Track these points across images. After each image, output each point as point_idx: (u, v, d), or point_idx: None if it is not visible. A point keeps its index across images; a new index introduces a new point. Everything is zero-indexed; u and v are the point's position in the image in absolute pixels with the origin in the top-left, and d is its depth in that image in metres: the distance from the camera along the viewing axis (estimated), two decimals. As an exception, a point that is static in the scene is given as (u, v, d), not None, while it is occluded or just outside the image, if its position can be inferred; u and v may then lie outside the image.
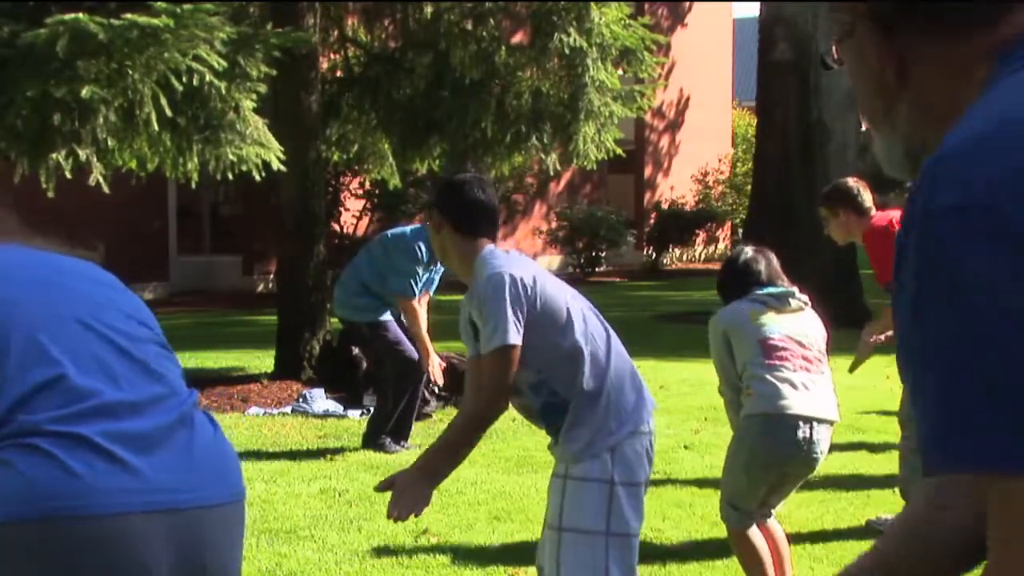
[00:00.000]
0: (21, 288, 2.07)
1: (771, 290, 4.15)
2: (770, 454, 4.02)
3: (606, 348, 3.22)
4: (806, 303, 4.21)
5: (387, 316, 7.27)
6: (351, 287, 7.27)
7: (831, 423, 4.07)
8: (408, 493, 3.33)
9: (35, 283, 2.10)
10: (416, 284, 7.16)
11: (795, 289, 4.22)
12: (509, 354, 3.10)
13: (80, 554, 1.93)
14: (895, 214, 5.39)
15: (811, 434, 3.97)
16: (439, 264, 7.12)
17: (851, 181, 5.59)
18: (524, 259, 3.32)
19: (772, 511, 4.29)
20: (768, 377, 4.00)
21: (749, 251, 4.33)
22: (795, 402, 3.96)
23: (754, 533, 4.19)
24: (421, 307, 7.27)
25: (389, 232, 7.51)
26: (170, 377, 2.14)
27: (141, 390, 2.07)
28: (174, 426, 2.07)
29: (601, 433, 3.16)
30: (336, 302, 7.44)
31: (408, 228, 7.39)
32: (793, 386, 3.98)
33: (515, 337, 3.08)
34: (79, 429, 1.95)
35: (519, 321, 3.09)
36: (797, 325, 4.11)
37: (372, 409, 7.86)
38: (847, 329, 6.66)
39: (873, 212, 5.44)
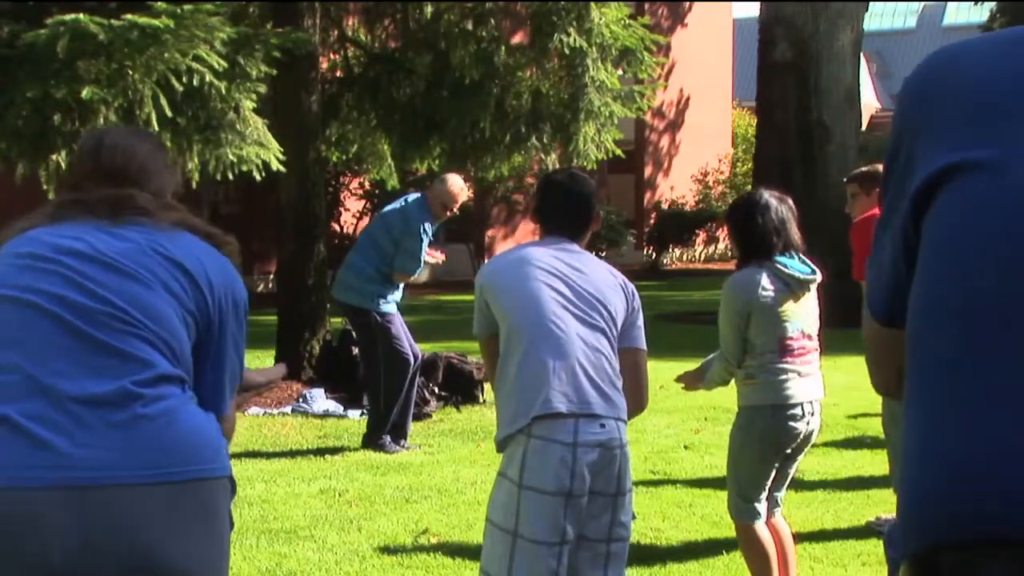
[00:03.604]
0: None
1: (795, 270, 4.09)
2: (779, 439, 4.12)
3: (523, 341, 3.22)
4: (814, 283, 4.18)
5: (394, 309, 7.28)
6: (366, 272, 7.22)
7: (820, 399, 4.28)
8: None
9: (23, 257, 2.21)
10: (421, 263, 7.28)
11: (807, 261, 4.17)
12: (480, 344, 3.49)
13: None
14: None
15: (812, 409, 4.15)
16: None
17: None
18: (526, 253, 3.45)
19: (780, 501, 4.31)
20: (778, 372, 4.09)
21: (772, 200, 4.14)
22: (798, 391, 4.10)
23: (762, 529, 4.20)
24: None
25: (391, 212, 7.39)
26: (131, 351, 2.12)
27: (87, 364, 2.09)
28: (112, 399, 2.06)
29: (506, 425, 3.22)
30: (342, 286, 7.34)
31: (410, 209, 7.28)
32: (799, 375, 4.11)
33: (475, 329, 3.46)
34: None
35: (479, 317, 3.43)
36: (807, 314, 4.13)
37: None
38: (843, 328, 6.66)
39: None
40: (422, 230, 7.16)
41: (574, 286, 3.34)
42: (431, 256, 7.44)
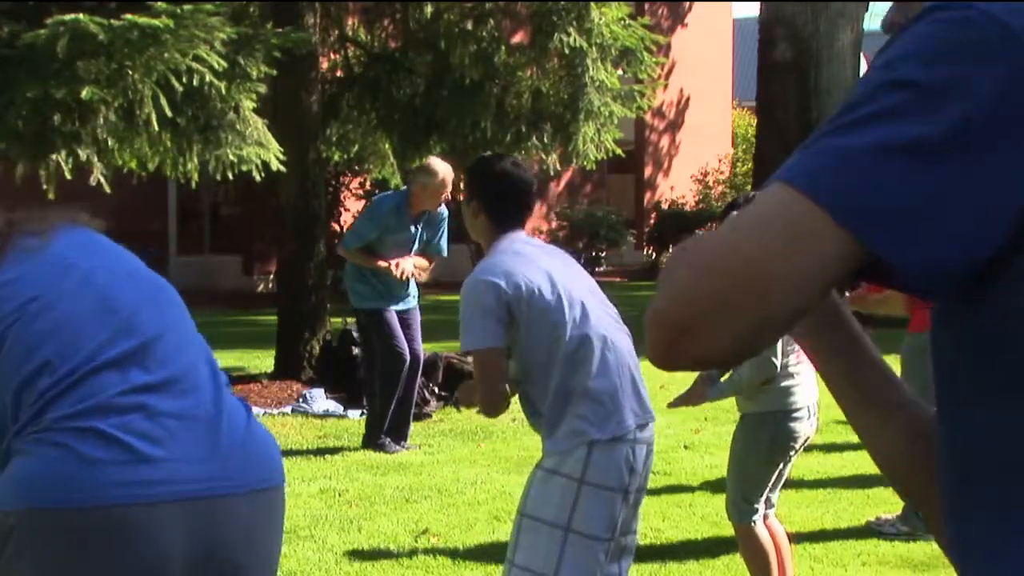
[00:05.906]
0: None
1: None
2: (787, 442, 4.18)
3: (593, 350, 3.18)
4: None
5: (386, 306, 7.21)
6: (350, 272, 7.29)
7: None
8: None
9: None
10: (360, 241, 7.11)
11: None
12: (485, 357, 3.21)
13: (92, 542, 1.96)
14: None
15: (815, 410, 4.26)
16: (422, 224, 7.16)
17: None
18: (530, 254, 3.32)
19: (774, 502, 4.34)
20: (790, 376, 4.14)
21: None
22: (802, 394, 4.17)
23: (760, 530, 4.24)
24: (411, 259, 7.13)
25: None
26: (200, 366, 2.17)
27: (173, 380, 2.10)
28: (198, 413, 2.08)
29: (574, 432, 3.16)
30: (347, 289, 7.44)
31: (383, 196, 7.45)
32: (803, 378, 4.17)
33: (483, 341, 3.19)
34: (96, 423, 1.99)
35: (493, 326, 3.17)
36: None
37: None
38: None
39: None
40: (387, 216, 7.07)
41: (593, 289, 3.35)
42: (396, 265, 6.99)
